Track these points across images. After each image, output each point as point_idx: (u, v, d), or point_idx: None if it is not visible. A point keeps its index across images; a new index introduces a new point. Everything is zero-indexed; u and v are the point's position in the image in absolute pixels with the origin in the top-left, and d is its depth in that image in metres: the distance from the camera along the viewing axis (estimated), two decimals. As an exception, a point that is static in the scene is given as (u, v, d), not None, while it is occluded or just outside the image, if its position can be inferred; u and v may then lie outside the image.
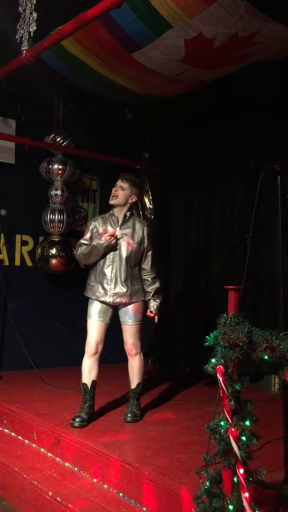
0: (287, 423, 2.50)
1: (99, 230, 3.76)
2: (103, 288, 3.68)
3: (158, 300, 3.78)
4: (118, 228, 3.72)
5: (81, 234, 5.99)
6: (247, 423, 2.11)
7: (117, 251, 3.68)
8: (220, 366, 2.10)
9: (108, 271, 3.68)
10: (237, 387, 2.13)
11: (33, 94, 4.98)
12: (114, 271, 3.67)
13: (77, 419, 3.54)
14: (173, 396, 4.45)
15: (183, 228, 5.99)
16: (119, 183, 3.75)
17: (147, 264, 3.79)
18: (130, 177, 3.78)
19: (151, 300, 3.78)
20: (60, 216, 5.40)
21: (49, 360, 5.51)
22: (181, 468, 2.78)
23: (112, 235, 3.64)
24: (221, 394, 2.12)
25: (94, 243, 3.69)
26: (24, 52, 3.59)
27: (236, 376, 2.14)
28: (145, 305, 3.82)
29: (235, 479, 2.07)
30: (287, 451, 2.46)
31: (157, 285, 3.80)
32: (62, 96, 5.45)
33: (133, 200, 3.78)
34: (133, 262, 3.73)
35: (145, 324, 4.40)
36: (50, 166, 5.43)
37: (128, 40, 3.75)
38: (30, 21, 3.26)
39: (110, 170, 6.00)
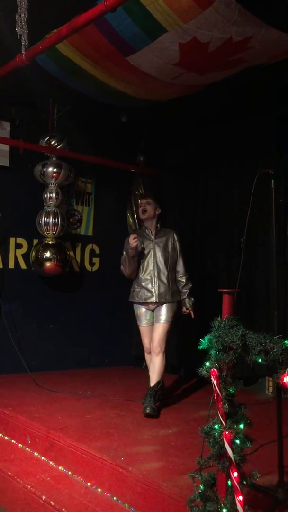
0: (281, 426, 2.51)
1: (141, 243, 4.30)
2: (149, 291, 4.19)
3: (192, 298, 4.33)
4: (153, 239, 4.32)
5: (76, 237, 6.04)
6: (241, 426, 2.11)
7: (155, 258, 4.25)
8: (214, 369, 2.10)
9: (150, 275, 4.22)
10: (231, 390, 2.13)
11: (28, 97, 4.98)
12: (156, 275, 4.21)
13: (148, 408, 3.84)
14: (168, 399, 4.43)
15: (178, 231, 5.98)
16: (143, 201, 4.43)
17: (180, 267, 4.36)
18: (151, 194, 4.64)
19: (186, 299, 4.31)
20: (55, 219, 5.39)
21: (42, 364, 5.48)
22: (175, 472, 2.78)
23: (135, 237, 4.15)
24: (215, 397, 2.12)
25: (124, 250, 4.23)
26: (23, 55, 3.58)
27: (230, 379, 2.14)
28: (178, 307, 4.30)
29: (229, 482, 2.08)
30: (281, 454, 2.46)
31: (190, 285, 4.36)
32: (57, 98, 5.44)
33: (159, 211, 4.42)
34: (171, 266, 4.30)
35: (137, 329, 4.41)
36: (44, 169, 5.42)
37: (123, 43, 3.76)
38: (22, 23, 3.25)
39: (105, 173, 6.03)
